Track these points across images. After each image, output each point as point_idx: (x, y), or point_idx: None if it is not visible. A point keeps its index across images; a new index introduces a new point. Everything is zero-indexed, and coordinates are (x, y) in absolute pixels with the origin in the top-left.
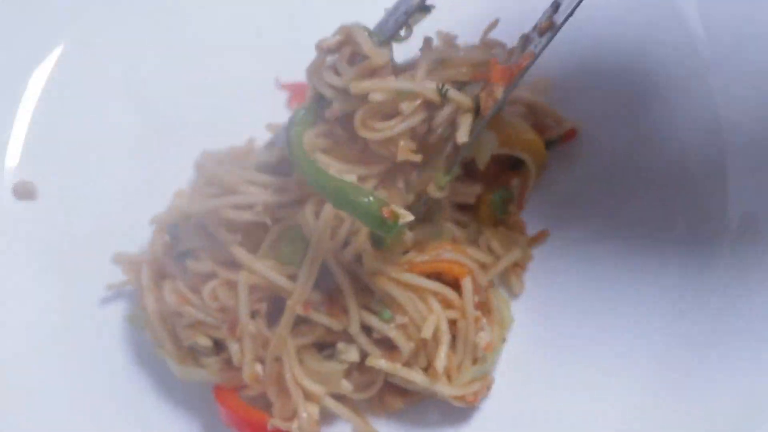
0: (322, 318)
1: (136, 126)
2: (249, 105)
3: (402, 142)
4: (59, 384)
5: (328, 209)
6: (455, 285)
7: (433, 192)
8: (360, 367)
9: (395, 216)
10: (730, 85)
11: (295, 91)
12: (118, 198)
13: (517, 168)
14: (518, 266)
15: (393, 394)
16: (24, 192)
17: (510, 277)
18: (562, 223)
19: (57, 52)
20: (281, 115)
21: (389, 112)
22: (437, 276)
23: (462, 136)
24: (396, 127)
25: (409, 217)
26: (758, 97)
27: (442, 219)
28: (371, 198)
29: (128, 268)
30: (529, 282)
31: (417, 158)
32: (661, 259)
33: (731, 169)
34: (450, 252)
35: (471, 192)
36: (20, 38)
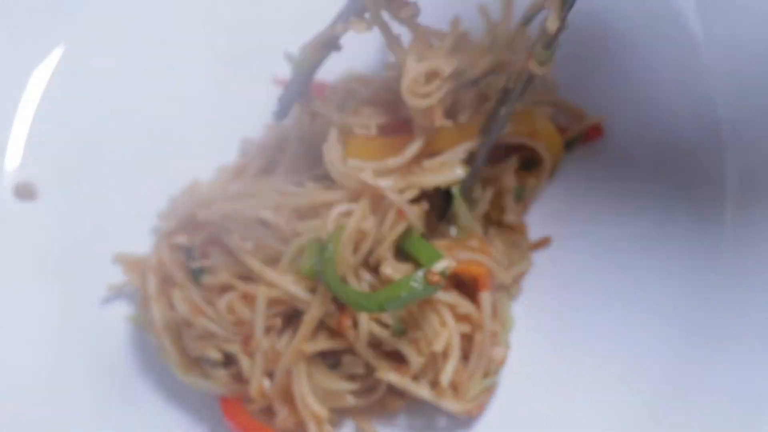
0: (327, 344)
1: (136, 126)
2: (248, 103)
3: (439, 107)
4: (60, 384)
5: (352, 224)
6: (473, 285)
7: (535, 68)
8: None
9: (443, 274)
10: (729, 84)
11: None
12: (118, 198)
13: (528, 168)
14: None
15: (393, 395)
16: (24, 192)
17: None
18: (561, 226)
19: (57, 52)
20: None
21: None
22: (455, 275)
23: (553, 18)
24: (441, 89)
25: (452, 264)
26: (757, 95)
27: (474, 217)
28: (416, 280)
29: (129, 268)
30: (526, 282)
31: (449, 123)
32: (662, 260)
33: (730, 171)
34: (467, 252)
35: (507, 172)
36: (20, 38)
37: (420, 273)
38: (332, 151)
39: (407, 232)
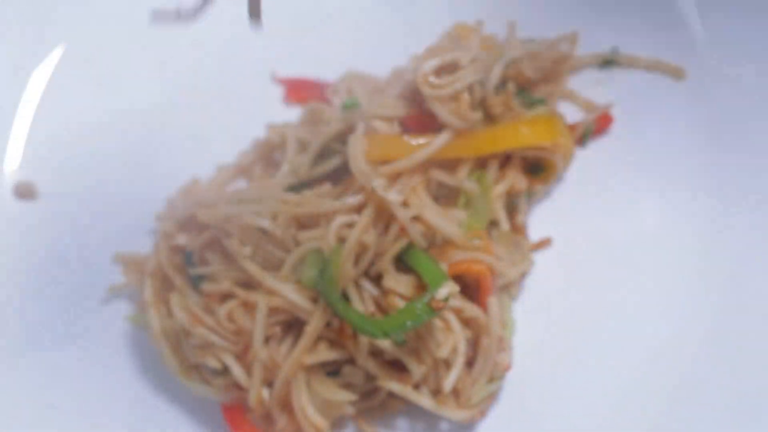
0: (328, 355)
1: (135, 126)
2: (248, 103)
3: (465, 96)
4: (60, 385)
5: (354, 237)
6: (475, 285)
7: None
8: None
9: (446, 300)
10: (729, 83)
11: (291, 86)
12: (118, 198)
13: (533, 171)
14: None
15: (393, 397)
16: (24, 192)
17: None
18: (561, 226)
19: (57, 52)
20: (277, 111)
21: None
22: (457, 276)
23: None
24: (461, 79)
25: (456, 289)
26: (757, 94)
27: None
28: (419, 307)
29: (129, 268)
30: (526, 282)
31: (478, 116)
32: (663, 259)
33: (730, 169)
34: (469, 252)
35: (518, 175)
36: (20, 38)
37: (424, 300)
38: (357, 146)
39: (409, 245)
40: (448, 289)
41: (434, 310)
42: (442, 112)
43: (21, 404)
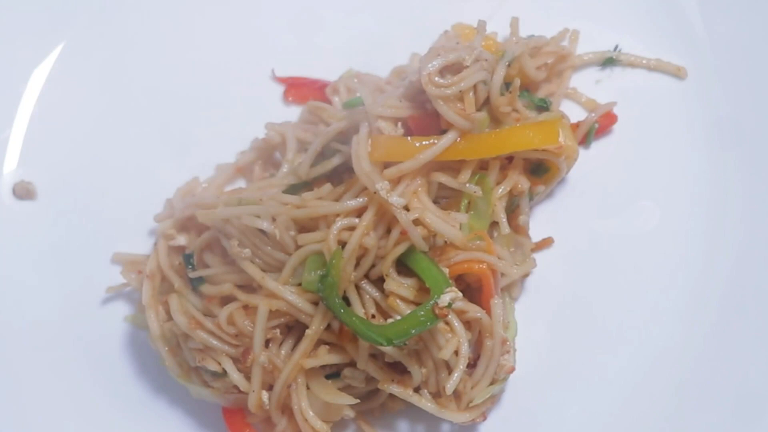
0: (328, 358)
1: (135, 125)
2: (248, 103)
3: (471, 95)
4: (59, 385)
5: (354, 239)
6: (477, 285)
7: None
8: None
9: (449, 306)
10: (730, 83)
11: (290, 84)
12: (118, 198)
13: (535, 173)
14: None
15: (393, 397)
16: (24, 192)
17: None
18: (561, 226)
19: (57, 52)
20: (277, 111)
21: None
22: (458, 277)
23: None
24: (468, 78)
25: (459, 295)
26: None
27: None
28: (423, 314)
29: (128, 268)
30: (526, 283)
31: (483, 115)
32: (664, 260)
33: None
34: (464, 253)
35: (520, 175)
36: (20, 38)
37: (427, 306)
38: (360, 147)
39: (411, 248)
40: (451, 295)
41: (437, 317)
42: (448, 112)
43: (20, 404)
